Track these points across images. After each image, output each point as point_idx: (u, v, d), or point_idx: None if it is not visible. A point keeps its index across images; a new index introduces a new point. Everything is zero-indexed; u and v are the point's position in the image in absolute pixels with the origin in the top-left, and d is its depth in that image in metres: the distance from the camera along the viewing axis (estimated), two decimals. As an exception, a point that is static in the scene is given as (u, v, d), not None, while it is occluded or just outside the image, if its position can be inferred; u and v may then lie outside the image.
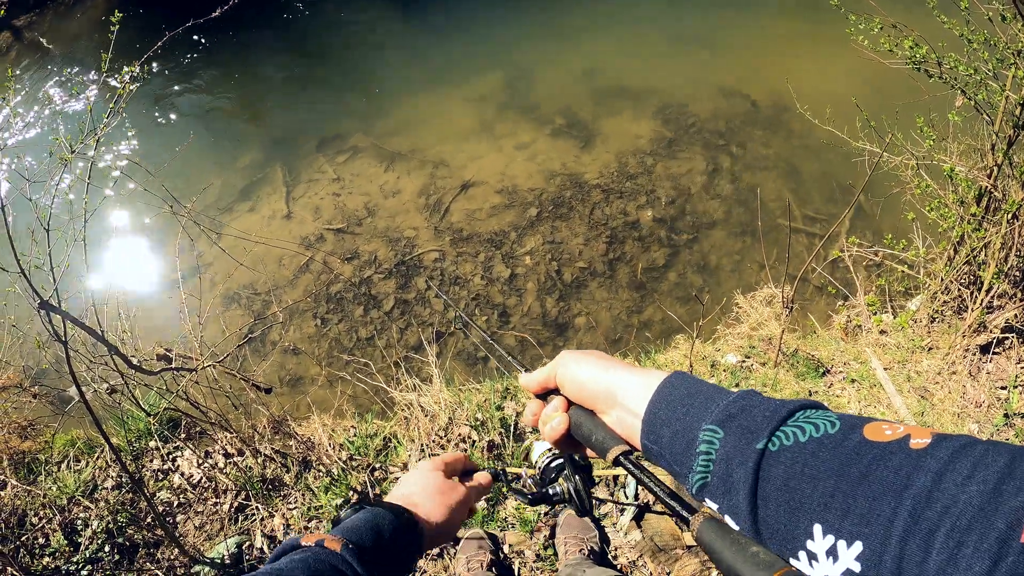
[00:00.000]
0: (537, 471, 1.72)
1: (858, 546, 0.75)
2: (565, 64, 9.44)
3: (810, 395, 5.06)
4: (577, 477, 1.59)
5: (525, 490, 1.70)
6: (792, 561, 0.83)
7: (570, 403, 1.26)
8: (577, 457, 1.63)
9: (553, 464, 1.68)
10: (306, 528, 4.31)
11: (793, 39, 9.60)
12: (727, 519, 0.92)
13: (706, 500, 0.95)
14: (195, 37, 9.87)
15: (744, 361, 5.47)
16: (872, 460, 0.79)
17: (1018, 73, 4.43)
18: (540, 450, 1.75)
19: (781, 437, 0.88)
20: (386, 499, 1.50)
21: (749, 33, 9.85)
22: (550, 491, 1.62)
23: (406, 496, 1.54)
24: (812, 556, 0.80)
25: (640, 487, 1.15)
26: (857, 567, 0.75)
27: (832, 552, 0.78)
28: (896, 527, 0.72)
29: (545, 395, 1.32)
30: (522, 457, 4.49)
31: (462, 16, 10.37)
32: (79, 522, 4.57)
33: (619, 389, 1.13)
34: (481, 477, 1.75)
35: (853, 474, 0.79)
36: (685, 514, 0.96)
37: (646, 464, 1.20)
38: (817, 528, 0.80)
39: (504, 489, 1.96)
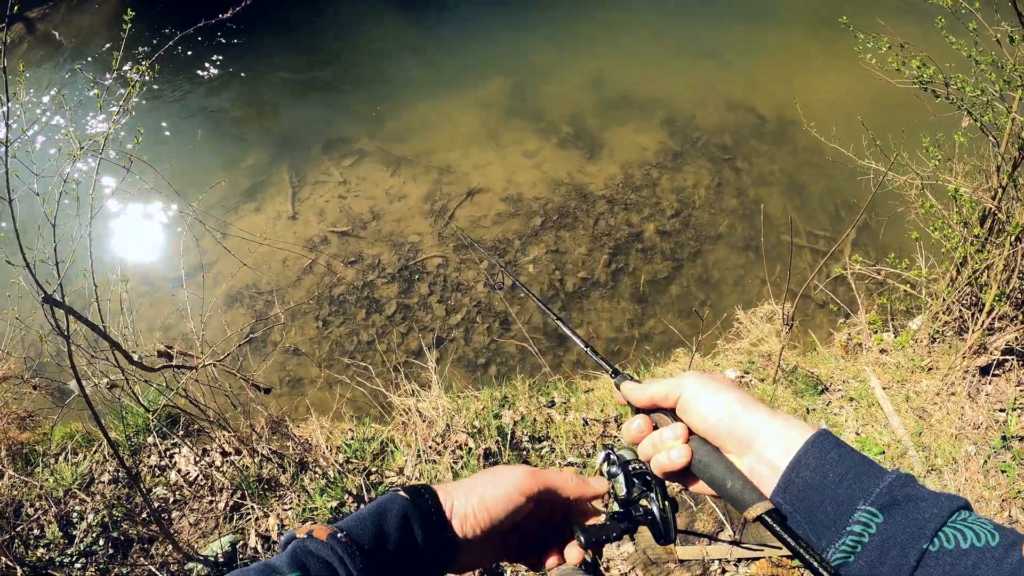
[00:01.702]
0: (609, 483, 1.34)
1: None
2: (572, 73, 9.45)
3: (808, 413, 5.06)
4: (667, 502, 1.27)
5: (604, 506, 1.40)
6: None
7: (690, 432, 1.16)
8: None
9: (635, 478, 1.32)
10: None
11: (801, 55, 9.61)
12: None
13: None
14: (205, 37, 9.88)
15: (743, 377, 5.47)
16: None
17: (1024, 95, 4.44)
18: (631, 456, 1.35)
19: (942, 538, 0.86)
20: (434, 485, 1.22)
21: (757, 47, 9.86)
22: (633, 511, 1.27)
23: (451, 484, 1.24)
24: None
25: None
26: None
27: None
28: None
29: (651, 411, 1.22)
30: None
31: (470, 23, 10.39)
32: (74, 515, 4.58)
33: (758, 436, 1.06)
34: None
35: None
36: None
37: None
38: None
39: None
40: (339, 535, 1.07)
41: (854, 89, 8.21)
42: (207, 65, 9.81)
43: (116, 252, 7.60)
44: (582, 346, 1.61)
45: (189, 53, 9.77)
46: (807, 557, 0.91)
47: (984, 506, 4.29)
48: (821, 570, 0.89)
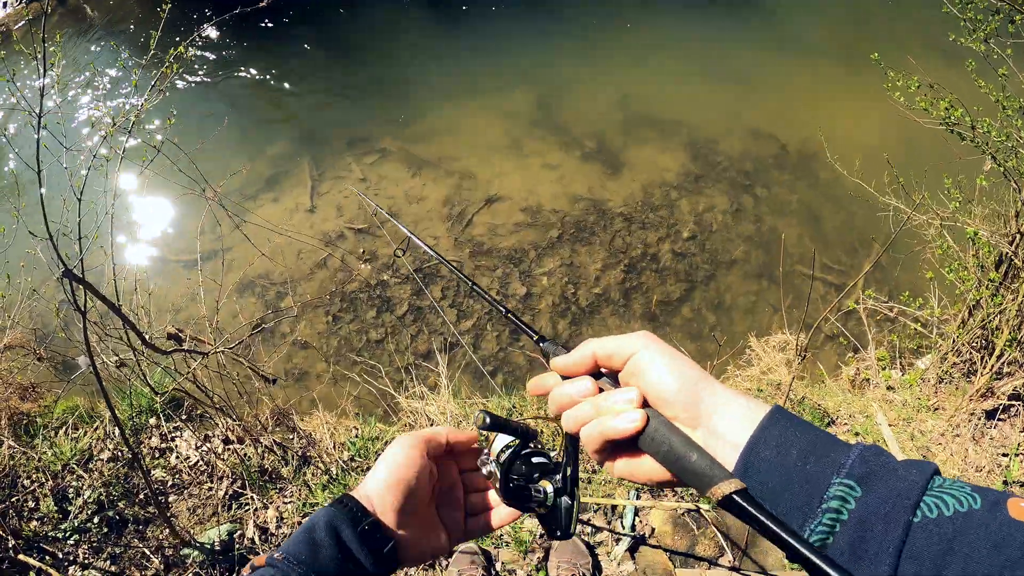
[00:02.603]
0: (499, 465, 1.27)
1: None
2: (599, 89, 9.44)
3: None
4: (576, 491, 1.22)
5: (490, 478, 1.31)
6: None
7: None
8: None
9: (534, 460, 1.28)
10: (299, 524, 4.31)
11: (828, 87, 9.60)
12: None
13: None
14: (238, 25, 9.89)
15: (751, 403, 5.46)
16: None
17: (1049, 143, 4.45)
18: (505, 443, 1.29)
19: (924, 508, 0.82)
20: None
21: (784, 76, 9.85)
22: (533, 491, 1.23)
23: (364, 482, 1.26)
24: None
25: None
26: None
27: None
28: None
29: (593, 376, 1.09)
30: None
31: (501, 33, 10.40)
32: (71, 490, 4.57)
33: (716, 408, 0.98)
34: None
35: (1015, 555, 0.75)
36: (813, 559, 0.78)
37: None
38: None
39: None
40: (275, 555, 1.11)
41: (878, 125, 8.22)
42: (238, 54, 9.83)
43: (134, 230, 7.62)
44: (502, 310, 1.54)
45: (222, 40, 9.81)
46: (788, 539, 0.82)
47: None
48: (806, 552, 0.80)
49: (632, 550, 4.12)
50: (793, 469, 0.89)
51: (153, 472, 4.68)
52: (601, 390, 1.08)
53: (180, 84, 9.04)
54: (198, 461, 4.82)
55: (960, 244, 5.33)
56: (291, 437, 4.92)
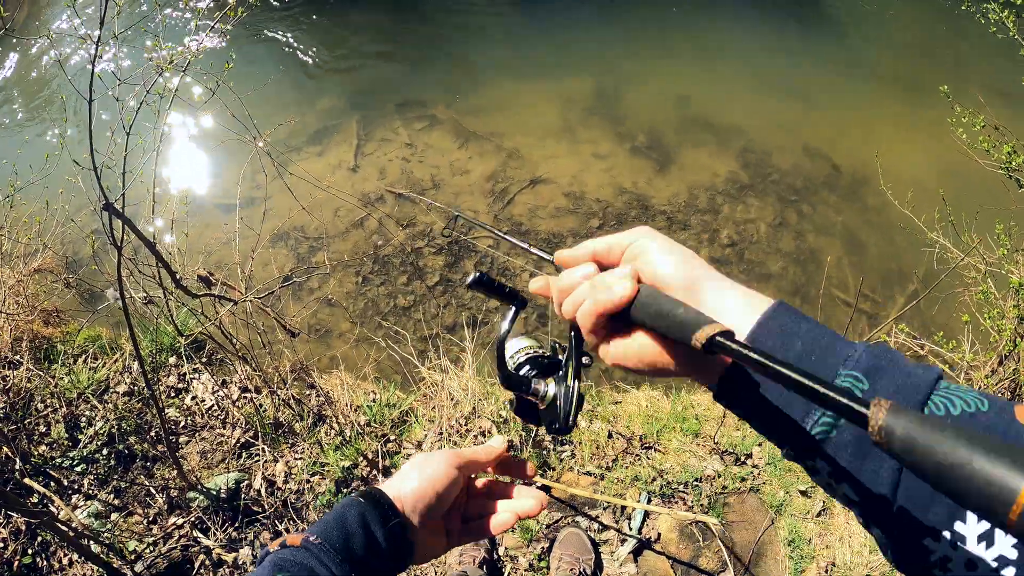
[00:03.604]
0: (512, 367, 1.32)
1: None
2: (658, 86, 9.35)
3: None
4: (576, 383, 1.19)
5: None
6: (925, 541, 0.76)
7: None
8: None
9: (539, 362, 1.32)
10: (307, 482, 4.29)
11: (888, 115, 9.47)
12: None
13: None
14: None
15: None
16: None
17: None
18: (522, 345, 1.36)
19: (931, 406, 0.78)
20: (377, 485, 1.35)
21: (846, 98, 9.73)
22: (534, 384, 1.24)
23: (397, 483, 1.29)
24: (959, 538, 0.74)
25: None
26: (1014, 554, 0.72)
27: (987, 537, 0.73)
28: None
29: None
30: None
31: (569, 16, 10.30)
32: (83, 419, 4.58)
33: (716, 293, 0.95)
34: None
35: None
36: (859, 408, 0.67)
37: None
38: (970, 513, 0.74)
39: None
40: (311, 539, 1.15)
41: (935, 159, 8.11)
42: (296, 9, 9.81)
43: (175, 169, 7.63)
44: (522, 245, 1.47)
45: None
46: (778, 368, 0.74)
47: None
48: (804, 380, 0.71)
49: (636, 553, 4.10)
50: (798, 360, 0.85)
51: (167, 411, 4.67)
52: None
53: (242, 29, 9.01)
54: (213, 406, 4.80)
55: (1002, 292, 5.25)
56: (308, 393, 4.90)
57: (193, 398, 4.88)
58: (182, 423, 4.68)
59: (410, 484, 1.26)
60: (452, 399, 4.77)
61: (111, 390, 4.84)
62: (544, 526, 4.13)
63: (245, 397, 4.84)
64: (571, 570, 3.80)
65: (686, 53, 10.07)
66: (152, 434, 4.49)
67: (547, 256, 1.26)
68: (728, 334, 0.82)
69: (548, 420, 1.25)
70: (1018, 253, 5.16)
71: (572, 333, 1.16)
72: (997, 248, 5.07)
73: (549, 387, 1.23)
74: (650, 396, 5.35)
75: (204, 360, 5.17)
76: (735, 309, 0.92)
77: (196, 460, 4.44)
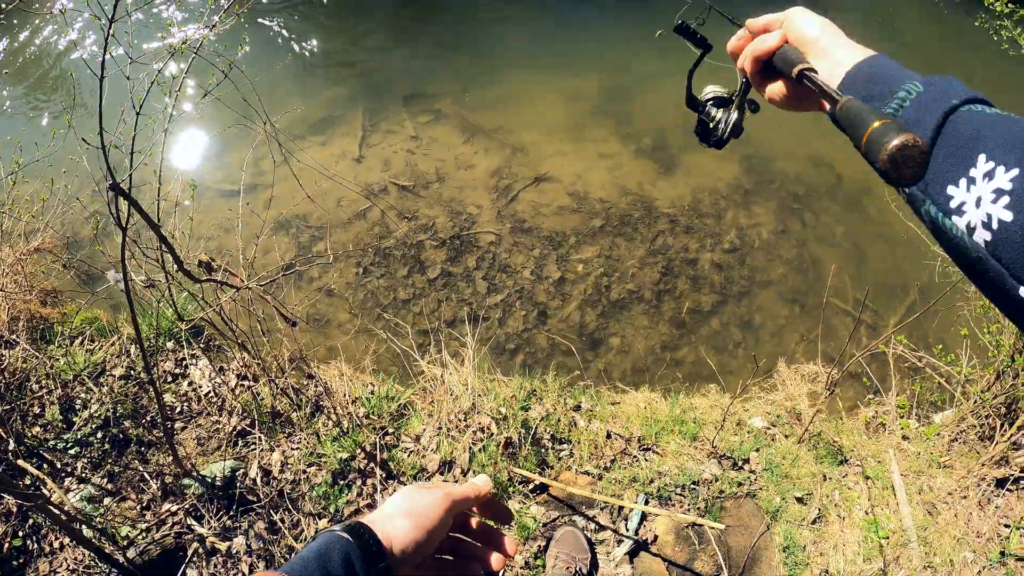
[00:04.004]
0: (702, 104, 1.75)
1: (1015, 172, 0.89)
2: (668, 89, 9.33)
3: (824, 480, 5.00)
4: (736, 113, 1.65)
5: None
6: (950, 188, 0.99)
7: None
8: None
9: (720, 100, 1.72)
10: (303, 472, 4.27)
11: (895, 124, 9.51)
12: None
13: None
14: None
15: (769, 428, 5.40)
16: None
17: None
18: (711, 88, 1.77)
19: (971, 107, 1.04)
20: (361, 518, 1.33)
21: (855, 109, 9.76)
22: (709, 108, 1.71)
23: (379, 517, 1.24)
24: (971, 181, 0.95)
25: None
26: (1008, 186, 0.89)
27: (989, 175, 0.92)
28: None
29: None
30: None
31: (583, 14, 10.29)
32: (78, 402, 4.56)
33: (839, 48, 1.28)
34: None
35: None
36: (836, 95, 1.13)
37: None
38: (982, 157, 0.94)
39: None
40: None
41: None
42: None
43: (181, 152, 7.61)
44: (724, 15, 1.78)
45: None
46: (813, 76, 1.23)
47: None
48: (829, 89, 1.17)
49: (632, 554, 4.09)
50: (883, 76, 1.18)
51: (163, 396, 4.64)
52: None
53: (255, 14, 8.97)
54: (210, 392, 4.78)
55: (1003, 309, 5.25)
56: (306, 383, 4.88)
57: (190, 384, 4.86)
58: (178, 409, 4.66)
59: (401, 524, 1.20)
60: (452, 394, 4.75)
61: (107, 373, 4.82)
62: (541, 524, 4.12)
63: (243, 385, 4.82)
64: (567, 568, 3.80)
65: (695, 57, 10.07)
66: (148, 419, 4.47)
67: (739, 24, 1.61)
68: (810, 70, 1.24)
69: (708, 134, 1.71)
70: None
71: (743, 80, 1.56)
72: (1001, 265, 5.05)
73: (719, 113, 1.68)
74: (649, 398, 5.35)
75: (202, 346, 5.15)
76: (844, 59, 1.25)
77: (192, 447, 4.41)
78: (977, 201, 0.93)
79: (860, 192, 8.29)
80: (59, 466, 4.17)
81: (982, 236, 0.92)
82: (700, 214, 7.74)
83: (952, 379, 5.67)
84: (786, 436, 5.32)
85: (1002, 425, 5.13)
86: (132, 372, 4.81)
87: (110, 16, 2.79)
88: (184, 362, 4.99)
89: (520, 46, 9.69)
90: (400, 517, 1.20)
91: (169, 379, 4.89)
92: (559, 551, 3.90)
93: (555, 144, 8.22)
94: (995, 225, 0.90)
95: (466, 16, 10.02)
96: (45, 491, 3.90)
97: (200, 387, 4.82)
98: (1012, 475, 4.93)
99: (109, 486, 4.11)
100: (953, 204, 0.98)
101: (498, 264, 6.85)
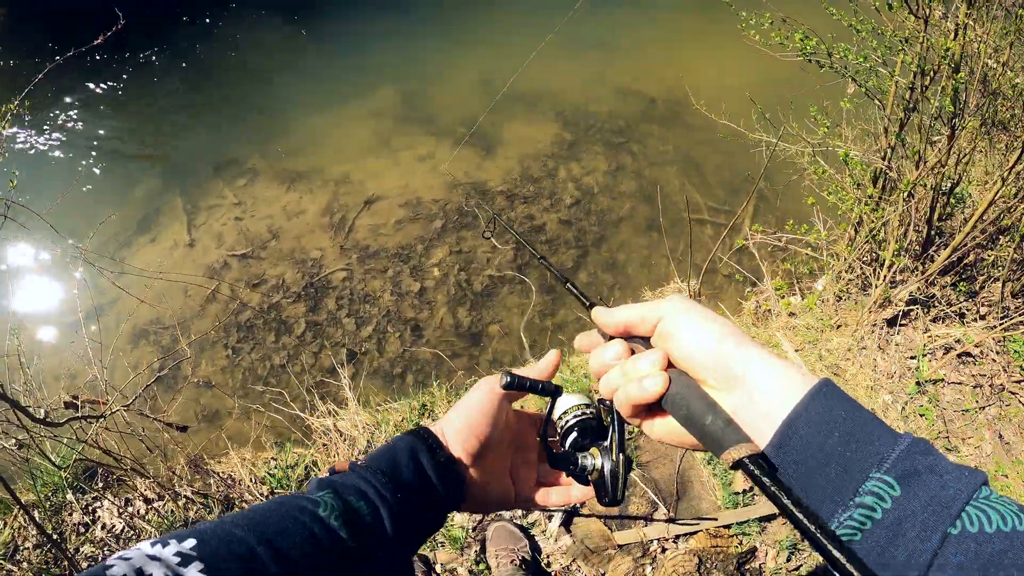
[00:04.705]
0: (560, 429, 1.30)
1: None
2: (461, 76, 9.45)
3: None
4: (621, 456, 1.19)
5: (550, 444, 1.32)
6: None
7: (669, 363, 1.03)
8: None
9: (587, 426, 1.28)
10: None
11: (687, 37, 9.75)
12: None
13: None
14: (77, 63, 9.58)
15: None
16: None
17: (906, 59, 4.54)
18: (570, 404, 1.30)
19: (965, 520, 0.77)
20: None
21: (643, 33, 9.98)
22: (580, 460, 1.23)
23: (444, 421, 1.29)
24: None
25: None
26: None
27: None
28: None
29: (625, 339, 1.11)
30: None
31: (357, 35, 10.35)
32: (3, 587, 4.43)
33: (751, 376, 0.93)
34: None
35: None
36: (851, 569, 0.71)
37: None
38: None
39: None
40: (358, 462, 1.18)
41: (740, 67, 8.32)
42: (83, 92, 9.53)
43: (5, 303, 7.37)
44: (560, 278, 1.53)
45: (63, 82, 9.46)
46: (796, 514, 0.78)
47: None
48: (812, 528, 0.75)
49: (566, 524, 4.15)
50: (832, 453, 0.85)
51: (82, 548, 4.54)
52: (634, 352, 1.09)
53: (16, 139, 8.70)
54: (123, 527, 4.69)
55: (835, 167, 5.42)
56: (210, 483, 4.81)
57: (103, 527, 4.76)
58: (99, 556, 4.56)
59: (452, 421, 1.26)
60: (345, 439, 4.74)
61: (20, 548, 4.68)
62: (470, 529, 4.15)
63: (151, 508, 4.73)
64: (511, 562, 3.83)
65: (478, 38, 10.23)
66: (74, 578, 4.37)
67: (586, 303, 1.31)
68: (755, 458, 0.86)
69: (598, 493, 1.23)
70: (839, 127, 5.34)
71: (613, 409, 1.17)
72: (818, 129, 5.22)
73: (596, 460, 1.22)
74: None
75: (100, 486, 5.03)
76: (777, 391, 0.91)
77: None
78: None
79: (675, 107, 8.53)
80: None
81: None
82: (533, 180, 7.85)
83: (817, 247, 5.84)
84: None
85: (875, 271, 5.32)
86: (43, 539, 4.69)
87: None
88: (90, 508, 4.88)
89: (306, 85, 9.68)
90: (451, 412, 1.29)
91: (82, 529, 4.77)
92: (497, 548, 3.93)
93: (373, 163, 8.26)
94: None
95: (245, 75, 9.94)
96: None
97: (113, 527, 4.72)
98: (900, 311, 5.13)
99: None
100: None
101: (357, 296, 6.85)
